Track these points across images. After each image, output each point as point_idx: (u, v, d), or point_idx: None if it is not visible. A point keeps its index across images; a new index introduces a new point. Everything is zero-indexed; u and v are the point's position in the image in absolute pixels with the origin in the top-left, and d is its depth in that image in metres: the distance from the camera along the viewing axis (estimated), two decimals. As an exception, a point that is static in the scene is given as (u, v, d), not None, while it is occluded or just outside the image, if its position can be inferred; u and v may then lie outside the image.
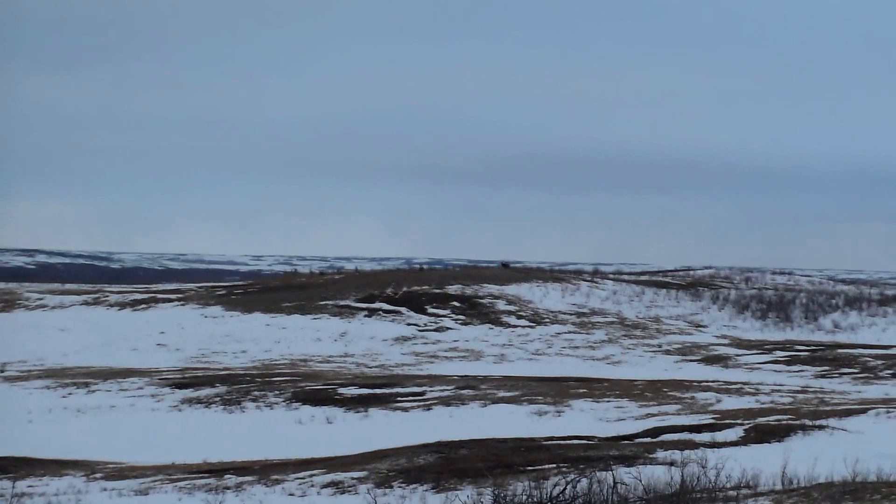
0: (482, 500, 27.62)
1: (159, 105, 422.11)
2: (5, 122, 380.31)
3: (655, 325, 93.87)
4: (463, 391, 59.29)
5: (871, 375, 68.73)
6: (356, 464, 37.83)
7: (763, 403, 53.80)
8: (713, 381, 63.59)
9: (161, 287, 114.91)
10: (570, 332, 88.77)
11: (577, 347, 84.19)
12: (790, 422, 43.36)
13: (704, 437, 40.74)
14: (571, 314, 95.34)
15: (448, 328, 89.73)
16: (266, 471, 37.86)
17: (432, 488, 33.72)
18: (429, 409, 55.60)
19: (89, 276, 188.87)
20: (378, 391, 60.16)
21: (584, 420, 51.37)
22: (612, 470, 27.18)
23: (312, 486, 35.10)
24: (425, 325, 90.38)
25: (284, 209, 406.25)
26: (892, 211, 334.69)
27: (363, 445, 42.52)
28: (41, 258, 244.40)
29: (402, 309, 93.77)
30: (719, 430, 41.86)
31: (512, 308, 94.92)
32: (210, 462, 41.62)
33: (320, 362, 78.04)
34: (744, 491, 27.93)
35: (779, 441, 39.03)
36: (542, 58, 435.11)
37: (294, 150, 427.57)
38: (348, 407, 56.40)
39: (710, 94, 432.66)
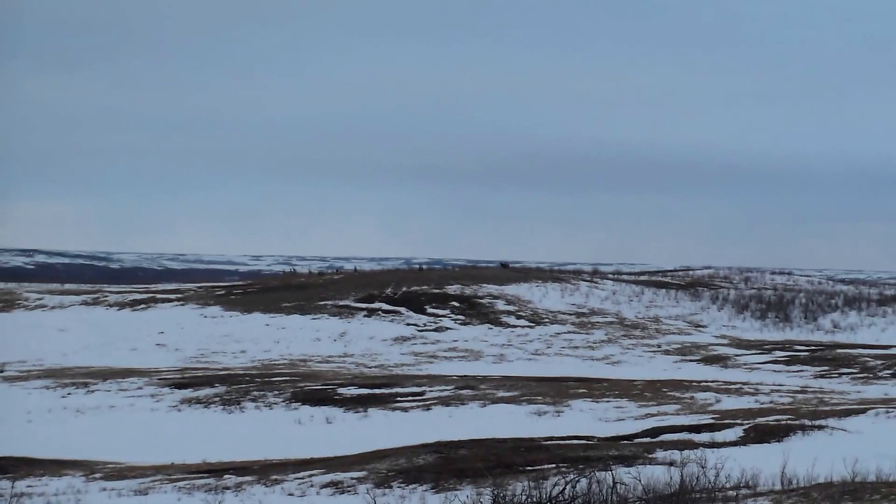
0: (481, 500, 27.61)
1: (159, 105, 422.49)
2: (5, 122, 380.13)
3: (655, 325, 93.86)
4: (462, 391, 59.28)
5: (871, 375, 68.73)
6: (355, 464, 37.82)
7: (762, 403, 53.79)
8: (712, 381, 63.58)
9: (160, 287, 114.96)
10: (569, 333, 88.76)
11: (576, 347, 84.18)
12: (789, 422, 43.35)
13: (704, 437, 40.73)
14: (571, 314, 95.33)
15: (447, 328, 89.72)
16: (265, 471, 37.85)
17: (432, 488, 33.71)
18: (428, 409, 55.59)
19: (89, 276, 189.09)
20: (377, 391, 60.15)
21: (583, 420, 51.37)
22: (611, 470, 27.13)
23: (312, 486, 35.09)
24: (425, 325, 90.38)
25: (284, 209, 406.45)
26: (892, 211, 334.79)
27: (362, 445, 42.51)
28: (40, 258, 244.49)
29: (402, 309, 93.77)
30: (719, 430, 41.84)
31: (511, 308, 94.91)
32: (209, 462, 41.60)
33: (320, 362, 78.03)
34: (743, 491, 27.93)
35: (778, 441, 39.01)
36: (542, 58, 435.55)
37: (294, 150, 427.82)
38: (348, 407, 56.38)
39: (710, 94, 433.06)
